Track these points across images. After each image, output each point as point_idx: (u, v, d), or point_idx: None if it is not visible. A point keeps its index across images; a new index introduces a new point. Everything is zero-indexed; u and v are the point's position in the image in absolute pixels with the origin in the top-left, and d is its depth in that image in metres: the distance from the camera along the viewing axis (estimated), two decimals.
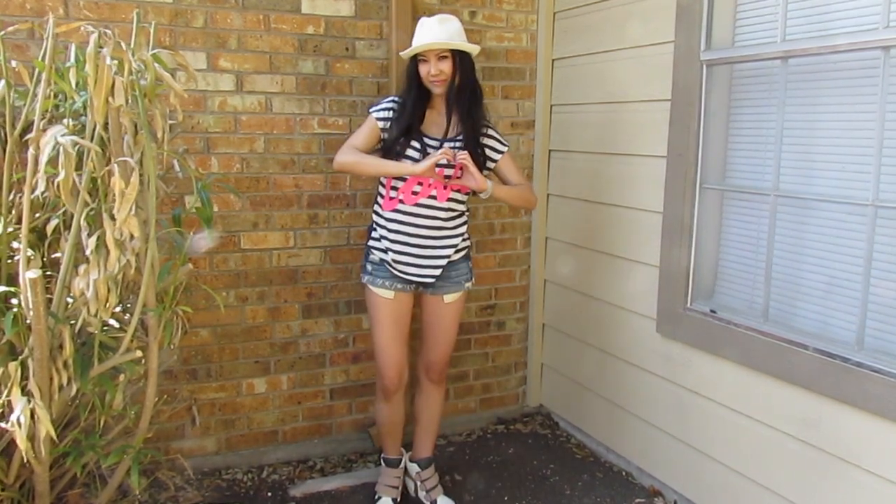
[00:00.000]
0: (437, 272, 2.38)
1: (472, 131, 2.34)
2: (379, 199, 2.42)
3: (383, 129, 2.35)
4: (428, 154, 2.28)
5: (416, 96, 2.32)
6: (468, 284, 2.49)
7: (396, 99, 2.38)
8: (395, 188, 2.35)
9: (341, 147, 2.35)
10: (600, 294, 2.91)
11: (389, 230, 2.35)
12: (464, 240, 2.45)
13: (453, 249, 2.40)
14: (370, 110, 2.39)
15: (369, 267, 2.41)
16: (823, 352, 1.96)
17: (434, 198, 2.32)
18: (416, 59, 2.30)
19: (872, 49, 1.85)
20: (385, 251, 2.36)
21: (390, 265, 2.36)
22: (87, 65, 1.56)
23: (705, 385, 2.39)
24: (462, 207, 2.42)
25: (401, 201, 2.33)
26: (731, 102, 2.35)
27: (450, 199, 2.35)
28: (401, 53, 2.37)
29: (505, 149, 2.44)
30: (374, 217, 2.43)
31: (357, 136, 2.36)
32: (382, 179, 2.39)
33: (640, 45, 2.60)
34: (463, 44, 2.27)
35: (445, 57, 2.26)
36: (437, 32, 2.26)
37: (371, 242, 2.42)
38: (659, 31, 2.49)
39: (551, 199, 3.22)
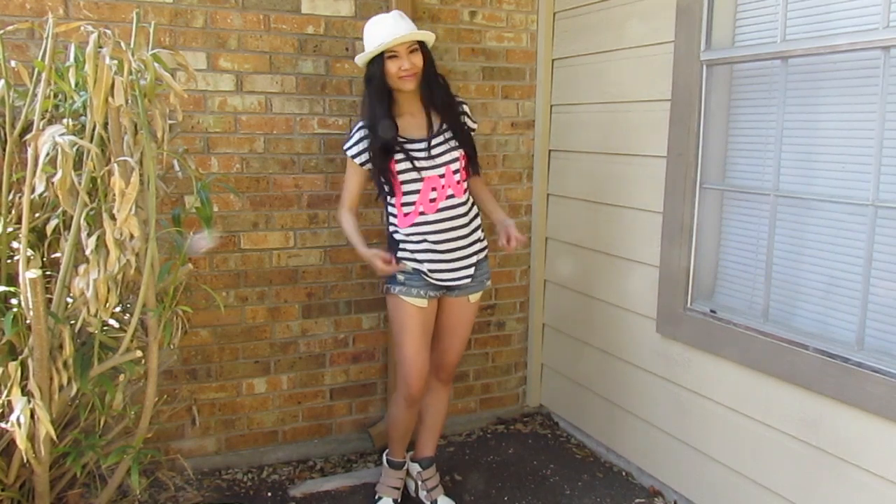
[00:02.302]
0: (472, 271, 2.35)
1: (455, 120, 2.32)
2: (391, 218, 2.37)
3: (365, 164, 2.30)
4: (415, 159, 2.25)
5: (388, 100, 2.26)
6: (489, 282, 2.48)
7: (362, 122, 2.31)
8: (408, 203, 2.30)
9: (341, 197, 2.40)
10: (600, 294, 2.90)
11: (417, 242, 2.29)
12: (483, 235, 2.44)
13: (480, 246, 2.39)
14: (345, 150, 2.33)
15: (401, 277, 2.30)
16: (823, 352, 1.96)
17: (453, 196, 2.29)
18: (378, 61, 2.22)
19: (872, 49, 1.84)
20: (420, 262, 2.29)
21: (427, 275, 2.29)
22: (87, 65, 1.56)
23: (705, 385, 2.39)
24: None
25: (422, 213, 2.28)
26: (731, 102, 2.35)
27: (465, 191, 2.34)
28: (359, 57, 2.27)
29: (475, 126, 2.45)
30: (395, 236, 2.35)
31: (347, 188, 2.36)
32: (391, 199, 2.33)
33: (640, 45, 2.60)
34: (426, 33, 2.25)
35: (415, 49, 2.22)
36: (402, 26, 2.21)
37: (400, 254, 2.32)
38: (659, 31, 2.49)
39: (551, 199, 3.22)
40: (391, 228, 2.37)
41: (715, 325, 2.31)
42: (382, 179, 2.29)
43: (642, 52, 2.59)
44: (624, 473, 2.84)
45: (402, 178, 2.26)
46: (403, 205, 2.30)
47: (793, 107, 2.11)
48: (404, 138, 2.29)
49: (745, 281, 2.33)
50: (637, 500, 2.65)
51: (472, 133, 2.42)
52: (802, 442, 2.06)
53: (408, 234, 2.30)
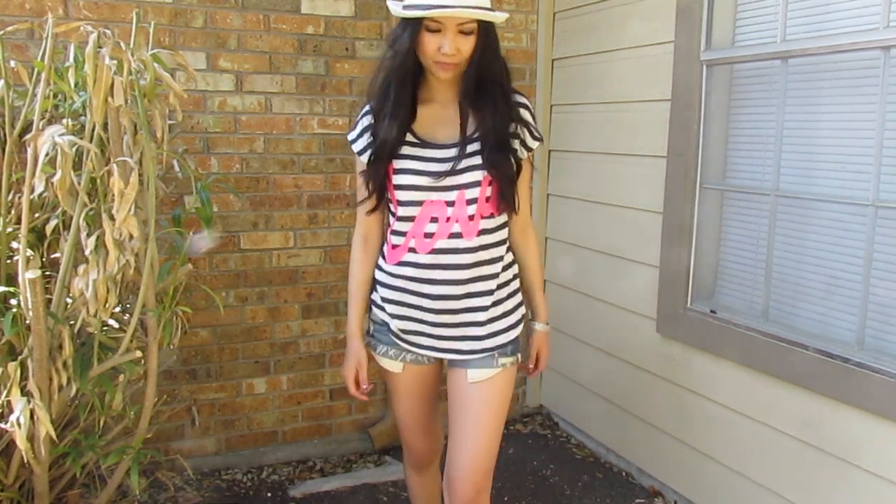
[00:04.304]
0: (464, 345, 1.63)
1: (501, 126, 1.56)
2: (384, 243, 1.72)
3: (367, 159, 1.63)
4: (418, 172, 1.56)
5: (411, 81, 1.56)
6: (506, 361, 1.66)
7: (369, 104, 1.65)
8: (398, 233, 1.61)
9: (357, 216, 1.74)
10: (600, 294, 2.90)
11: (394, 288, 1.64)
12: (511, 293, 1.68)
13: (497, 311, 1.64)
14: (350, 142, 1.69)
15: (371, 326, 1.75)
16: (823, 352, 1.96)
17: (458, 236, 1.56)
18: (414, 25, 1.46)
19: (872, 49, 1.84)
20: (390, 316, 1.67)
21: (396, 336, 1.68)
22: (87, 65, 1.55)
23: (705, 385, 2.39)
24: (502, 238, 1.65)
25: (411, 250, 1.59)
26: (731, 102, 2.35)
27: (482, 233, 1.58)
28: (393, 7, 1.51)
29: (535, 144, 1.63)
30: (378, 267, 1.73)
31: (360, 198, 1.69)
32: (389, 217, 1.68)
33: (640, 45, 2.60)
34: (497, 14, 1.47)
35: (470, 31, 1.46)
36: None
37: (372, 296, 1.73)
38: (659, 31, 2.49)
39: (551, 199, 3.22)
40: (379, 259, 1.73)
41: (715, 325, 2.30)
42: (372, 186, 1.62)
43: (642, 52, 2.59)
44: (624, 474, 2.84)
45: (398, 194, 1.58)
46: (394, 232, 1.63)
47: (793, 107, 2.11)
48: (416, 137, 1.59)
49: (745, 281, 2.33)
50: (637, 501, 2.65)
51: (529, 153, 1.64)
52: (802, 442, 2.06)
53: (390, 273, 1.65)
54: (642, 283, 2.65)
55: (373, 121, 1.62)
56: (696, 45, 2.31)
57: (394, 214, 1.63)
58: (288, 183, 2.77)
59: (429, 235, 1.57)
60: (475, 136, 1.56)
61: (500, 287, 1.63)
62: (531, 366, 1.82)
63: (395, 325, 1.66)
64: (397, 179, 1.58)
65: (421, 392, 1.76)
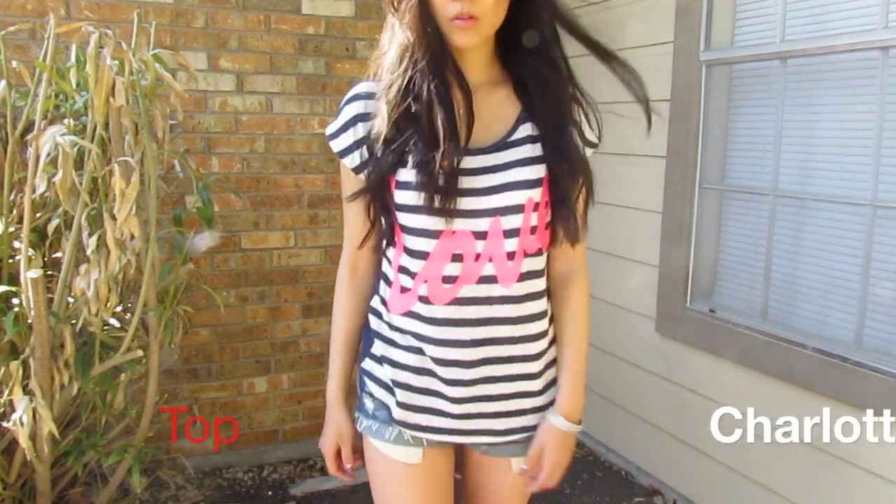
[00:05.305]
0: (500, 424, 1.19)
1: (556, 126, 1.18)
2: (383, 286, 1.21)
3: (363, 169, 1.14)
4: (433, 189, 1.05)
5: (447, 53, 1.08)
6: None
7: (368, 88, 1.19)
8: (407, 272, 1.13)
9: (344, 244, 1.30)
10: (599, 294, 2.91)
11: (399, 347, 1.17)
12: (554, 351, 1.22)
13: (552, 372, 1.21)
14: (328, 138, 1.23)
15: (369, 404, 1.23)
16: (822, 351, 1.97)
17: (492, 280, 1.10)
18: None
19: (871, 49, 1.85)
20: (389, 388, 1.19)
21: (401, 423, 1.18)
22: (88, 65, 1.56)
23: (704, 384, 2.40)
24: (545, 285, 1.19)
25: (422, 299, 1.12)
26: (730, 102, 2.35)
27: (527, 277, 1.13)
28: None
29: (588, 153, 1.29)
30: (371, 319, 1.24)
31: (347, 221, 1.24)
32: (389, 254, 1.18)
33: (640, 46, 2.60)
34: None
35: None
36: None
37: (366, 364, 1.24)
38: (658, 31, 2.49)
39: None
40: (374, 303, 1.24)
41: (714, 324, 2.31)
42: (372, 209, 1.15)
43: (642, 53, 2.60)
44: (623, 472, 2.84)
45: (402, 218, 1.11)
46: (402, 270, 1.15)
47: (792, 107, 2.12)
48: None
49: (744, 280, 2.33)
50: (636, 499, 2.65)
51: (588, 154, 1.25)
52: (801, 441, 2.06)
53: (396, 327, 1.17)
54: (642, 283, 2.65)
55: (368, 111, 1.13)
56: (696, 45, 2.31)
57: (392, 242, 1.15)
58: (288, 183, 2.78)
59: (449, 280, 1.09)
60: (520, 137, 1.13)
61: (551, 345, 1.20)
62: (527, 467, 1.21)
63: (397, 398, 1.17)
64: (401, 197, 1.09)
65: (436, 499, 1.21)
